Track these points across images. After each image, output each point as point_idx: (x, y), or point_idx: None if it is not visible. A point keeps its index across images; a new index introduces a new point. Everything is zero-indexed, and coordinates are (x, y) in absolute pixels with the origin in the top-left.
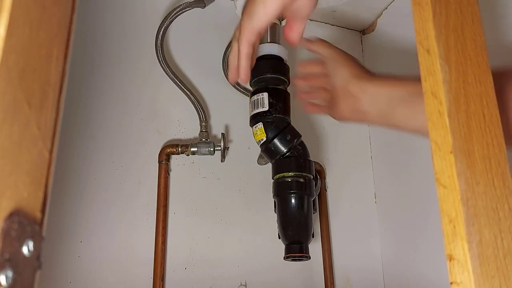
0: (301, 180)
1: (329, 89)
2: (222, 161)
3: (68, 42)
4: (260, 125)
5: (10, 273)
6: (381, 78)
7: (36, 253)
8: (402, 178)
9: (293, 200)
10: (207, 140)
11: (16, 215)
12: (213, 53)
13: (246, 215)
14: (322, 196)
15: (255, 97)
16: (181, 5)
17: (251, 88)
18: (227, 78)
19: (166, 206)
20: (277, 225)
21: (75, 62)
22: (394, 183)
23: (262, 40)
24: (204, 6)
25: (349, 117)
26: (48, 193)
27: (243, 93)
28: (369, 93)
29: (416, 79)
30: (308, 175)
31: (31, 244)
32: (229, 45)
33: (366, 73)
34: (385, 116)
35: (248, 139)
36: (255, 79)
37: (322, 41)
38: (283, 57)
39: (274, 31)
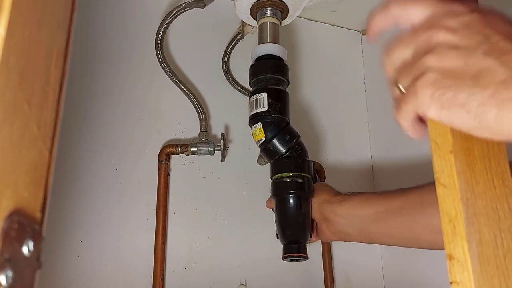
0: (300, 180)
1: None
2: (222, 161)
3: (68, 42)
4: (259, 125)
5: (10, 273)
6: (351, 198)
7: (36, 253)
8: (402, 178)
9: (291, 200)
10: (207, 140)
11: (16, 215)
12: (213, 53)
13: (246, 215)
14: None
15: (254, 97)
16: (181, 5)
17: (250, 88)
18: (227, 78)
19: (166, 206)
20: (275, 225)
21: (75, 62)
22: (394, 184)
23: (262, 40)
24: (204, 6)
25: (333, 238)
26: (48, 193)
27: (243, 93)
28: (341, 216)
29: (385, 195)
30: (307, 175)
31: (31, 244)
32: (229, 45)
33: (336, 196)
34: (365, 234)
35: (248, 139)
36: (255, 79)
37: None
38: (282, 57)
39: (274, 31)
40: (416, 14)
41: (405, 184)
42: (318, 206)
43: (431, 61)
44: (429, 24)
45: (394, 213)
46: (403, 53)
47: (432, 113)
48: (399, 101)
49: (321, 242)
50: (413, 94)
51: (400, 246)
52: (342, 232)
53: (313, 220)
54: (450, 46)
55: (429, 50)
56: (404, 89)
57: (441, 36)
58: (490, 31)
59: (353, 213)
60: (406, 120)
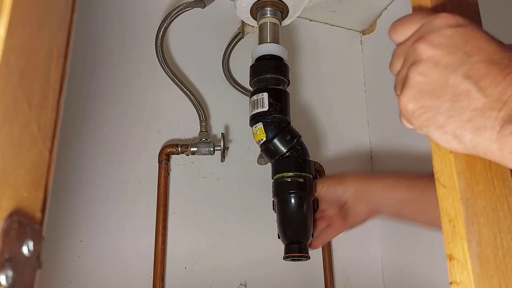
0: (301, 180)
1: (331, 211)
2: (222, 161)
3: (68, 42)
4: (259, 125)
5: (10, 273)
6: (387, 180)
7: (36, 253)
8: None
9: (292, 200)
10: (207, 140)
11: (16, 215)
12: (213, 53)
13: (246, 215)
14: None
15: (255, 97)
16: (181, 5)
17: (251, 88)
18: (227, 78)
19: (166, 206)
20: (276, 225)
21: (75, 62)
22: None
23: (262, 40)
24: (204, 6)
25: (367, 218)
26: (48, 193)
27: (243, 93)
28: (378, 197)
29: (421, 177)
30: (308, 175)
31: (31, 244)
32: (229, 45)
33: (363, 174)
34: (398, 213)
35: (248, 139)
36: (255, 79)
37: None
38: (283, 57)
39: (274, 31)
40: (410, 32)
41: None
42: (355, 190)
43: (413, 76)
44: (416, 37)
45: (427, 197)
46: (397, 64)
47: (415, 127)
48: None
49: None
50: (401, 105)
51: (430, 226)
52: (379, 208)
53: (343, 206)
54: (433, 62)
55: (413, 62)
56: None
57: (425, 49)
58: (471, 49)
59: (390, 196)
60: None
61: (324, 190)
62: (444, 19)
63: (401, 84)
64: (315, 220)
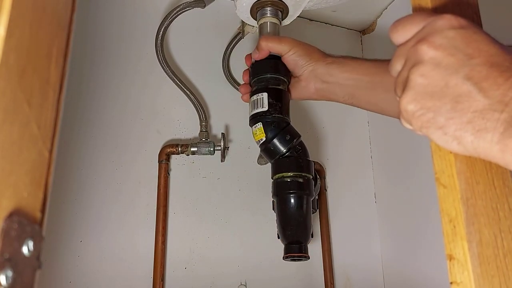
0: (300, 180)
1: None
2: (222, 161)
3: (68, 42)
4: (259, 125)
5: (10, 273)
6: (346, 62)
7: (36, 253)
8: (402, 178)
9: (292, 200)
10: (207, 140)
11: (16, 215)
12: (213, 53)
13: (246, 215)
14: (322, 196)
15: (254, 97)
16: (181, 5)
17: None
18: (227, 78)
19: (166, 206)
20: (276, 225)
21: (75, 62)
22: (394, 183)
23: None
24: (204, 6)
25: (313, 97)
26: (48, 193)
27: None
28: (336, 77)
29: (378, 64)
30: (308, 175)
31: (31, 244)
32: (229, 45)
33: (328, 57)
34: (353, 98)
35: (248, 139)
36: (255, 79)
37: (271, 38)
38: None
39: (274, 31)
40: (411, 33)
41: (405, 186)
42: (312, 65)
43: (414, 77)
44: (417, 38)
45: (386, 85)
46: (397, 65)
47: (414, 128)
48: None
49: (321, 242)
50: (401, 106)
51: (380, 112)
52: (329, 92)
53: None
54: (434, 64)
55: (414, 64)
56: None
57: (426, 51)
58: (472, 51)
59: (347, 76)
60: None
61: (290, 54)
62: (446, 20)
63: (401, 85)
64: None
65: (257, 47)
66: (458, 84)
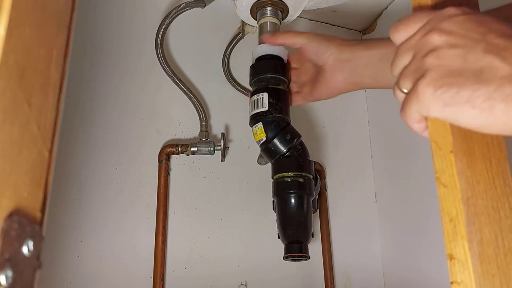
0: (301, 180)
1: (305, 77)
2: (222, 161)
3: (68, 42)
4: (259, 125)
5: (10, 273)
6: (367, 41)
7: (36, 253)
8: (403, 177)
9: (292, 200)
10: (207, 139)
11: (16, 215)
12: (213, 53)
13: (246, 214)
14: (322, 195)
15: (255, 97)
16: (181, 4)
17: (251, 88)
18: (227, 78)
19: (166, 206)
20: (276, 224)
21: (75, 62)
22: (394, 183)
23: (262, 40)
24: (204, 6)
25: (343, 86)
26: (48, 193)
27: (243, 93)
28: (361, 56)
29: None
30: (308, 175)
31: (31, 244)
32: (229, 45)
33: (350, 41)
34: (379, 75)
35: (248, 139)
36: (255, 79)
37: (290, 32)
38: (283, 57)
39: (274, 31)
40: (415, 29)
41: (405, 186)
42: (335, 51)
43: (430, 61)
44: (426, 30)
45: None
46: (404, 59)
47: (435, 112)
48: (403, 103)
49: (321, 242)
50: (415, 95)
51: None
52: (357, 75)
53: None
54: (449, 46)
55: (428, 52)
56: (407, 91)
57: (438, 38)
58: (485, 30)
59: (373, 53)
60: (412, 121)
61: (310, 42)
62: (451, 10)
63: (412, 75)
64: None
65: (269, 39)
66: (478, 58)
